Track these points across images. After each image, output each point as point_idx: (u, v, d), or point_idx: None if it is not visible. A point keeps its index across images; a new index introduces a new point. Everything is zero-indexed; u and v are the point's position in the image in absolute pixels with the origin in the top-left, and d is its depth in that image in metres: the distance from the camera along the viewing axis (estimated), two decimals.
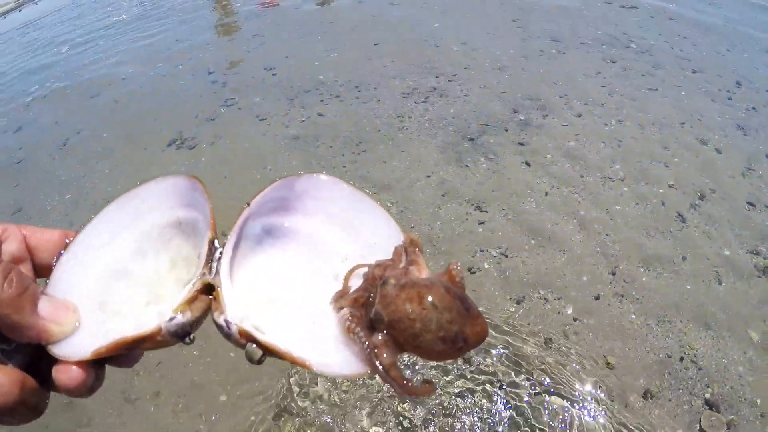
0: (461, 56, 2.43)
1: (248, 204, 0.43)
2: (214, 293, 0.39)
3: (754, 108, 2.08)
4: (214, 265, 0.40)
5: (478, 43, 2.54)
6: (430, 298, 0.35)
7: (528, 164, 1.75)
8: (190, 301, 0.38)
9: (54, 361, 0.35)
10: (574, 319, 1.30)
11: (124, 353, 0.37)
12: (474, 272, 1.40)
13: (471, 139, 1.87)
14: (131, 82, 2.72)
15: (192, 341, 0.37)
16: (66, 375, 0.35)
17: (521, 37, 2.56)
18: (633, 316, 1.32)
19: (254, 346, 0.36)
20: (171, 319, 0.37)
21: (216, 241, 0.41)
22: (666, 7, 2.97)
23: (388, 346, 0.35)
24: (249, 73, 2.58)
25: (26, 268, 0.39)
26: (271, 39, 3.00)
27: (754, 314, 1.34)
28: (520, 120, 1.96)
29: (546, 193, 1.64)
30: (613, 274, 1.41)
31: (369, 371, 0.35)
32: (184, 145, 2.06)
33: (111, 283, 0.42)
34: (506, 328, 1.26)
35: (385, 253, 0.41)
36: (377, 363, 0.35)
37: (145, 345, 0.37)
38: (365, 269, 0.40)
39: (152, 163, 1.98)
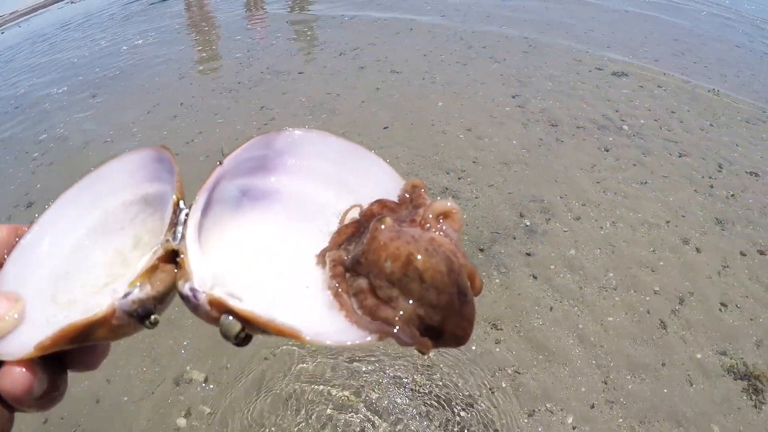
0: (468, 146, 2.70)
1: (220, 162, 0.39)
2: (179, 260, 0.34)
3: (732, 195, 2.36)
4: (179, 229, 0.35)
5: (482, 129, 2.79)
6: (420, 266, 0.28)
7: (535, 277, 2.08)
8: (150, 272, 0.33)
9: None
10: (573, 428, 1.67)
11: (78, 346, 0.32)
12: (494, 392, 1.77)
13: (482, 250, 2.19)
14: None
15: (155, 324, 0.32)
16: (8, 379, 0.29)
17: (521, 121, 2.80)
18: (621, 420, 1.69)
19: (230, 318, 0.31)
20: (126, 295, 0.31)
21: (182, 203, 0.37)
22: (654, 75, 3.15)
23: (380, 300, 0.30)
24: None
25: None
26: (279, 111, 3.18)
27: (717, 410, 1.71)
28: (526, 226, 2.26)
29: (551, 308, 1.98)
30: (605, 383, 1.77)
31: (376, 338, 0.30)
32: None
33: (66, 271, 0.37)
34: None
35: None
36: (384, 326, 0.29)
37: (99, 332, 0.31)
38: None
39: None
